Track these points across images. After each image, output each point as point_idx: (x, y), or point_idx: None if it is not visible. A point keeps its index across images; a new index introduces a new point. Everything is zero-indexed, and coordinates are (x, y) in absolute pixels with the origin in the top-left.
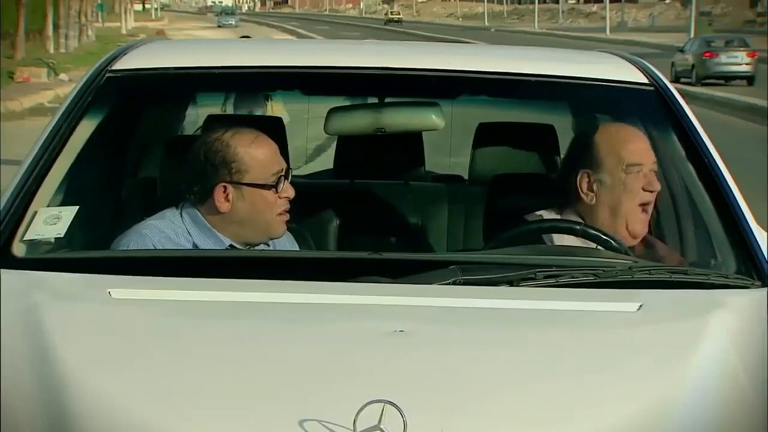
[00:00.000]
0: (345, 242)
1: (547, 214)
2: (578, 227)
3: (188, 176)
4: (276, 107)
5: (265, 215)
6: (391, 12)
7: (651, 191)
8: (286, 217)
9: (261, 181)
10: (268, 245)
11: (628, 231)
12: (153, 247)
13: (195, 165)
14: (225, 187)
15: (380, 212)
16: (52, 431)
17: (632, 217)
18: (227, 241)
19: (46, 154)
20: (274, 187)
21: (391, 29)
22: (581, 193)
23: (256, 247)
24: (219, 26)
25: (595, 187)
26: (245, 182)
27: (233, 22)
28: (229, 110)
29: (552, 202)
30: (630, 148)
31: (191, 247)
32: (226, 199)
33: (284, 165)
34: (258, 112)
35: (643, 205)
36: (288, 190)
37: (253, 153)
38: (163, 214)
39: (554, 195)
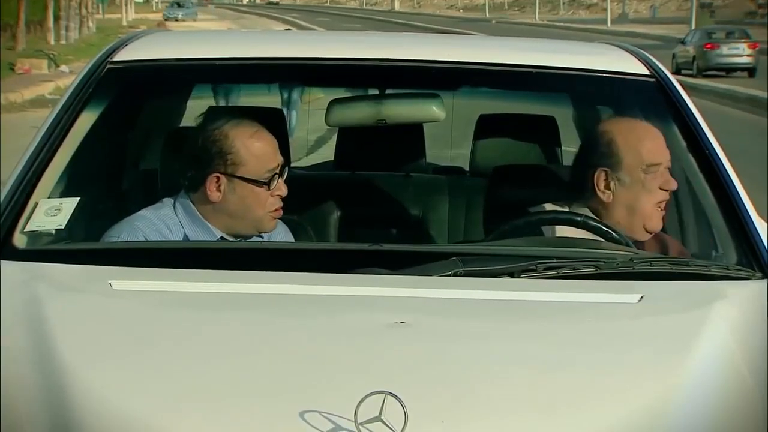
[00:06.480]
0: (346, 234)
1: (552, 208)
2: (579, 218)
3: (185, 163)
4: (316, 93)
5: (255, 211)
6: None
7: (668, 190)
8: (279, 214)
9: (254, 177)
10: (261, 237)
11: (644, 228)
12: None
13: (192, 152)
14: (218, 178)
15: (381, 204)
16: (52, 423)
17: (649, 215)
18: (218, 233)
19: (47, 145)
20: (266, 184)
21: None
22: (598, 191)
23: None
24: (165, 19)
25: (612, 186)
26: (238, 175)
27: (180, 15)
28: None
29: (561, 194)
30: (649, 147)
31: (182, 239)
32: (218, 190)
33: (281, 161)
34: (296, 96)
35: (660, 203)
36: (281, 188)
37: (251, 147)
38: (157, 205)
39: (558, 187)
